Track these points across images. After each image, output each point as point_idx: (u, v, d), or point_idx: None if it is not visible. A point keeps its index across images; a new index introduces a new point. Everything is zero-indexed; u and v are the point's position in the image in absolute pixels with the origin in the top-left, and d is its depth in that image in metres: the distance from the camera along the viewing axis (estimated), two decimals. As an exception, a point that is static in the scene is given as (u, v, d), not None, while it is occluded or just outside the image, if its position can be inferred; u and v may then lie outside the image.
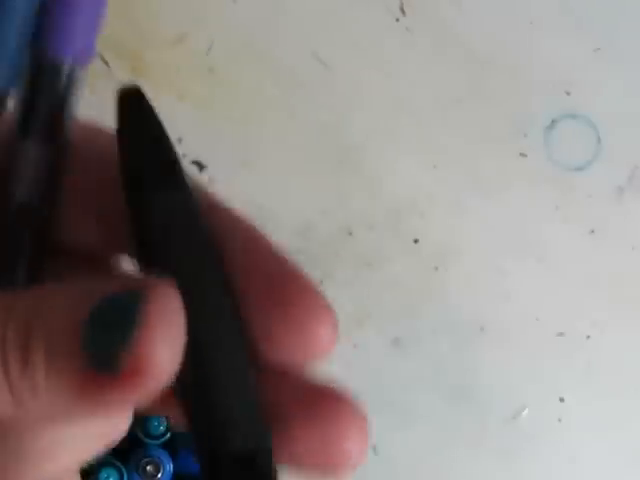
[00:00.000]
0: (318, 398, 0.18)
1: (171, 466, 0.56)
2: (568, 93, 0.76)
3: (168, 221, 0.17)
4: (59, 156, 0.17)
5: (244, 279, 0.17)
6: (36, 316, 0.15)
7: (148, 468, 0.55)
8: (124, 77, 0.70)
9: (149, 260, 0.17)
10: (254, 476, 0.17)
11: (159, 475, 0.55)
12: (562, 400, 0.73)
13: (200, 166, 0.73)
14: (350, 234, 0.73)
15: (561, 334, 0.73)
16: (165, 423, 0.56)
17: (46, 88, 0.16)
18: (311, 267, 0.78)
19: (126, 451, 0.56)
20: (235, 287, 0.17)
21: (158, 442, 0.56)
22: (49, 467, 0.18)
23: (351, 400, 0.18)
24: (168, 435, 0.57)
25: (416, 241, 0.74)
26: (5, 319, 0.15)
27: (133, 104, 0.17)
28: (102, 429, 0.17)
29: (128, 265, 0.20)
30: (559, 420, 0.73)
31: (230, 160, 0.80)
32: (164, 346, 0.15)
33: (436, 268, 0.74)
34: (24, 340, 0.15)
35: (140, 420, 0.56)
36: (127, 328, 0.14)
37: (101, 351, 0.14)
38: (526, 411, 0.73)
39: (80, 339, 0.15)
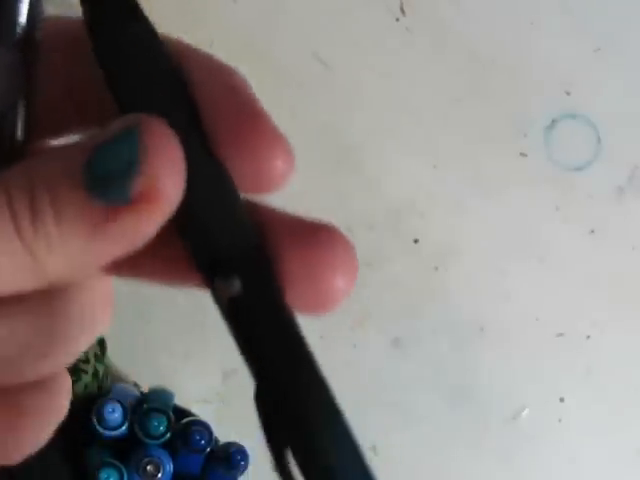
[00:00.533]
0: (306, 228, 0.18)
1: (171, 466, 0.56)
2: (568, 93, 0.76)
3: (133, 50, 0.16)
4: (30, 61, 0.17)
5: (208, 111, 0.17)
6: (37, 171, 0.15)
7: (148, 468, 0.55)
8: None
9: (122, 103, 0.16)
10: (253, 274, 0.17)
11: (159, 475, 0.55)
12: (562, 400, 0.73)
13: (200, 166, 0.73)
14: (350, 234, 0.73)
15: (561, 334, 0.73)
16: (165, 423, 0.56)
17: None
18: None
19: (126, 451, 0.56)
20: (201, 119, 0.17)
21: (158, 442, 0.56)
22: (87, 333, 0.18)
23: (338, 230, 0.18)
24: (168, 435, 0.57)
25: (416, 241, 0.74)
26: (7, 178, 0.16)
27: None
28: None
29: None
30: (559, 420, 0.73)
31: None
32: (169, 171, 0.15)
33: (436, 268, 0.74)
34: (29, 192, 0.15)
35: (140, 419, 0.56)
36: (130, 158, 0.15)
37: (108, 185, 0.15)
38: (526, 411, 0.73)
39: (83, 179, 0.15)
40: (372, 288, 0.72)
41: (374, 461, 0.69)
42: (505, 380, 0.72)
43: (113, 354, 0.67)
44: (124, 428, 0.56)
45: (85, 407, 0.55)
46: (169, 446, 0.58)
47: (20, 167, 0.16)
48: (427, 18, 0.76)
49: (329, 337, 0.71)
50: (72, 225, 0.15)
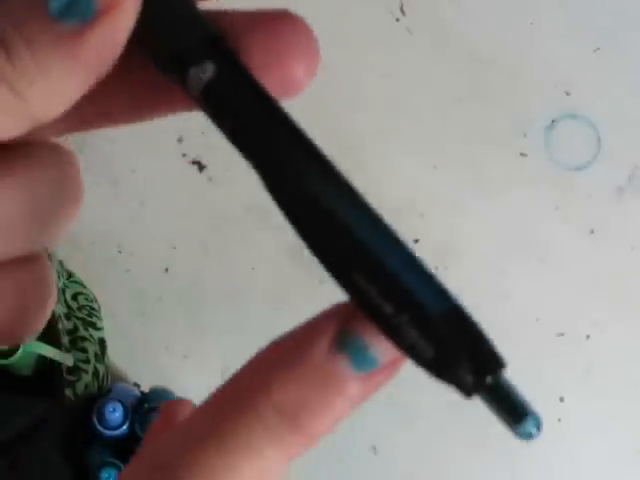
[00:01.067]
0: (265, 17, 0.18)
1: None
2: (568, 93, 0.76)
3: None
4: None
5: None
6: (1, 15, 0.16)
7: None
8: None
9: None
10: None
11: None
12: (562, 400, 0.73)
13: (200, 166, 0.73)
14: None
15: (561, 334, 0.73)
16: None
17: None
18: (311, 267, 0.78)
19: (127, 450, 0.56)
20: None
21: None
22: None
23: (297, 16, 0.18)
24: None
25: (416, 241, 0.74)
26: None
27: None
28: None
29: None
30: (559, 420, 0.73)
31: (230, 160, 0.80)
32: None
33: (436, 268, 0.74)
34: (1, 40, 0.16)
35: (140, 418, 0.56)
36: None
37: (71, 6, 0.16)
38: (526, 411, 0.73)
39: (47, 8, 0.16)
40: (372, 288, 0.72)
41: (374, 461, 0.69)
42: (505, 380, 0.72)
43: (113, 354, 0.67)
44: (125, 428, 0.56)
45: (86, 407, 0.55)
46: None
47: None
48: (427, 18, 0.76)
49: (329, 337, 0.71)
50: (46, 52, 0.16)
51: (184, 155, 0.73)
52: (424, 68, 0.75)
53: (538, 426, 0.17)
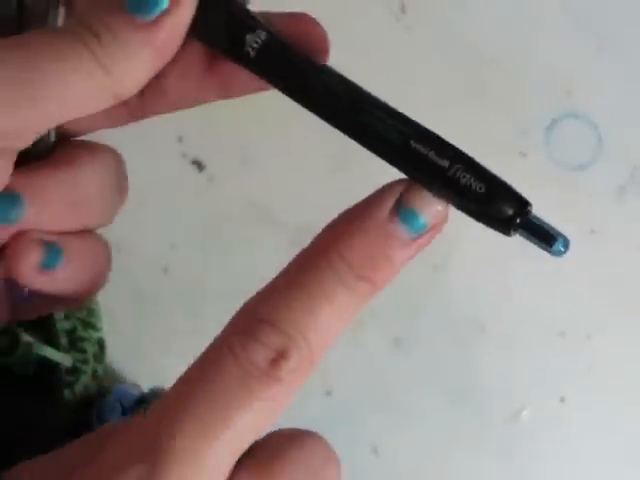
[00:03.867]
0: (293, 17, 0.25)
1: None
2: (568, 93, 0.76)
3: None
4: None
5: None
6: (89, 14, 0.22)
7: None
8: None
9: None
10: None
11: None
12: (562, 400, 0.73)
13: (200, 166, 0.73)
14: (350, 234, 0.73)
15: (561, 334, 0.73)
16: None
17: None
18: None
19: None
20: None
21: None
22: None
23: (314, 19, 0.26)
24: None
25: (416, 241, 0.73)
26: (68, 25, 0.22)
27: None
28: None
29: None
30: (559, 420, 0.73)
31: (230, 160, 0.80)
32: None
33: (436, 268, 0.74)
34: (90, 28, 0.22)
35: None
36: None
37: (146, 4, 0.22)
38: (526, 411, 0.72)
39: (125, 7, 0.22)
40: (372, 288, 0.72)
41: (374, 462, 0.70)
42: (505, 380, 0.72)
43: (112, 354, 0.67)
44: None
45: (85, 407, 0.55)
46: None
47: (75, 17, 0.22)
48: (428, 18, 0.76)
49: (329, 337, 0.71)
50: (127, 39, 0.22)
51: (184, 155, 0.73)
52: (424, 68, 0.75)
53: (566, 245, 0.24)
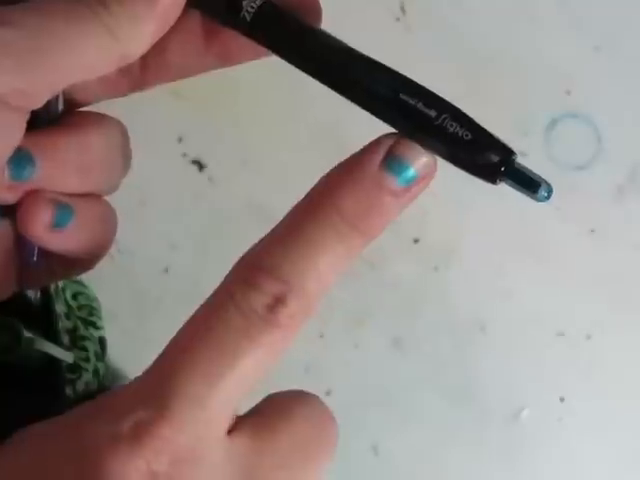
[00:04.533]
0: None
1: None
2: (568, 93, 0.76)
3: None
4: None
5: None
6: None
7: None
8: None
9: None
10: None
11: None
12: (562, 400, 0.73)
13: (200, 166, 0.73)
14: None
15: (561, 334, 0.73)
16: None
17: None
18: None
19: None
20: None
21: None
22: None
23: None
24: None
25: (416, 241, 0.74)
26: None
27: None
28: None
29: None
30: (559, 420, 0.73)
31: (230, 160, 0.80)
32: None
33: (436, 268, 0.74)
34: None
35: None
36: None
37: None
38: (526, 411, 0.73)
39: None
40: (372, 288, 0.72)
41: (374, 461, 0.69)
42: (505, 380, 0.72)
43: (113, 354, 0.67)
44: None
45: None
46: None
47: None
48: (428, 18, 0.76)
49: (329, 337, 0.71)
50: (132, 2, 0.23)
51: (184, 155, 0.73)
52: (424, 67, 0.75)
53: (550, 191, 0.24)
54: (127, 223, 0.77)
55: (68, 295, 0.52)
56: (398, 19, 0.76)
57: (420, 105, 0.24)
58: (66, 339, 0.43)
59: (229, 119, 0.72)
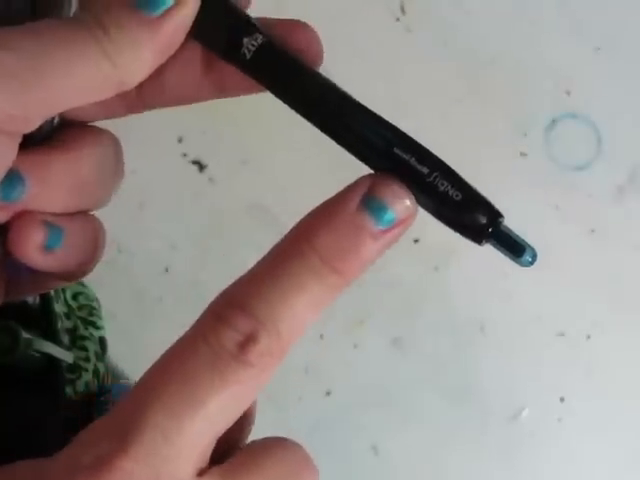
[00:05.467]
0: (288, 23, 0.26)
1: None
2: (568, 93, 0.76)
3: None
4: None
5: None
6: (98, 8, 0.23)
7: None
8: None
9: None
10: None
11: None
12: (562, 400, 0.73)
13: (200, 166, 0.73)
14: (350, 234, 0.73)
15: (561, 334, 0.73)
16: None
17: None
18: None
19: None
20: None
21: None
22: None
23: (307, 24, 0.27)
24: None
25: (416, 241, 0.74)
26: (79, 17, 0.23)
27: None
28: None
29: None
30: (559, 420, 0.73)
31: (230, 160, 0.80)
32: None
33: (436, 268, 0.74)
34: (98, 20, 0.23)
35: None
36: None
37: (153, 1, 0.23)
38: (526, 411, 0.73)
39: (134, 2, 0.23)
40: (372, 288, 0.72)
41: (374, 461, 0.69)
42: (505, 380, 0.72)
43: (113, 354, 0.67)
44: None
45: (86, 405, 0.55)
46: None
47: (83, 9, 0.24)
48: (428, 18, 0.76)
49: (329, 337, 0.71)
50: (133, 32, 0.23)
51: (184, 155, 0.73)
52: (424, 68, 0.75)
53: (534, 257, 0.24)
54: (127, 223, 0.77)
55: (68, 295, 0.52)
56: (398, 19, 0.76)
57: (413, 161, 0.24)
58: (66, 339, 0.43)
59: (229, 119, 0.72)
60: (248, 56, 0.25)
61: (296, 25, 0.26)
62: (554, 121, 0.75)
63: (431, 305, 0.73)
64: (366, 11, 0.76)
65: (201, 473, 0.21)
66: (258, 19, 0.26)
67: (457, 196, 0.24)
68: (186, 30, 0.24)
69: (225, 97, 0.27)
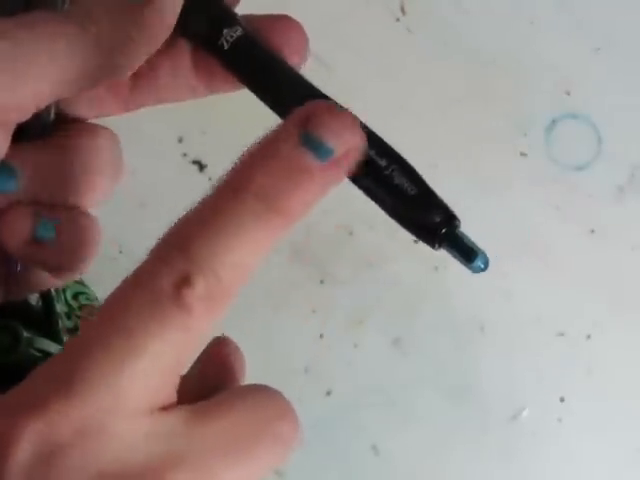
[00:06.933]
0: (274, 18, 0.26)
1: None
2: (568, 93, 0.76)
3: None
4: None
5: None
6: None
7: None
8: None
9: None
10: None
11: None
12: (562, 400, 0.73)
13: (200, 166, 0.73)
14: (350, 234, 0.73)
15: (561, 334, 0.73)
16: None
17: None
18: (311, 267, 0.78)
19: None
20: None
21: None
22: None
23: (292, 19, 0.27)
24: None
25: (416, 241, 0.73)
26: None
27: None
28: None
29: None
30: (559, 420, 0.73)
31: (230, 160, 0.79)
32: None
33: (436, 268, 0.74)
34: (86, 13, 0.23)
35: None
36: None
37: None
38: (526, 411, 0.73)
39: None
40: (372, 288, 0.72)
41: (374, 461, 0.69)
42: (505, 380, 0.72)
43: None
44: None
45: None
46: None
47: (74, 5, 0.24)
48: (428, 18, 0.76)
49: (329, 337, 0.72)
50: (123, 22, 0.23)
51: (184, 155, 0.73)
52: (424, 68, 0.75)
53: (486, 262, 0.24)
54: (128, 223, 0.77)
55: (69, 295, 0.52)
56: (398, 19, 0.76)
57: (372, 153, 0.24)
58: (67, 339, 0.43)
59: (229, 119, 0.72)
60: (226, 47, 0.25)
61: (279, 19, 0.26)
62: (554, 121, 0.75)
63: (431, 305, 0.73)
64: (366, 11, 0.76)
65: (166, 409, 0.21)
66: (246, 15, 0.26)
67: (412, 190, 0.24)
68: (174, 18, 0.24)
69: (217, 93, 0.27)
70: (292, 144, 0.22)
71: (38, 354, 0.34)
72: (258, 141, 0.23)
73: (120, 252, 0.71)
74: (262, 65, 0.25)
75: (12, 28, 0.23)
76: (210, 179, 0.73)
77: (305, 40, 0.26)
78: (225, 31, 0.25)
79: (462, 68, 0.75)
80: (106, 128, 0.27)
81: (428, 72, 0.75)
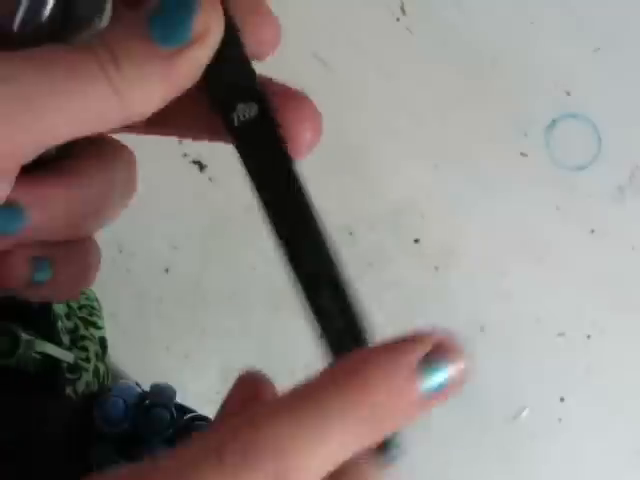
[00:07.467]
0: (288, 93, 0.24)
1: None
2: (568, 93, 0.76)
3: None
4: None
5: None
6: (112, 35, 0.22)
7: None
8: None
9: None
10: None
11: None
12: (562, 400, 0.73)
13: (200, 166, 0.73)
14: (350, 234, 0.73)
15: (561, 334, 0.73)
16: (168, 418, 0.56)
17: None
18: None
19: (130, 448, 0.56)
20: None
21: (161, 437, 0.56)
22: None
23: (307, 98, 0.25)
24: (171, 430, 0.57)
25: (416, 241, 0.74)
26: (90, 44, 0.22)
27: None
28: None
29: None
30: (559, 420, 0.73)
31: (230, 160, 0.80)
32: (216, 16, 0.22)
33: (436, 268, 0.74)
34: (110, 50, 0.21)
35: (143, 414, 0.56)
36: (186, 11, 0.21)
37: (171, 32, 0.21)
38: (526, 411, 0.73)
39: (149, 33, 0.21)
40: (372, 288, 0.72)
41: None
42: (505, 380, 0.72)
43: (114, 354, 0.67)
44: (127, 424, 0.56)
45: (87, 405, 0.55)
46: (172, 441, 0.58)
47: (97, 35, 0.22)
48: (428, 18, 0.76)
49: (329, 337, 0.71)
50: (146, 66, 0.21)
51: (185, 155, 0.73)
52: (424, 68, 0.75)
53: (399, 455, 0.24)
54: (128, 223, 0.77)
55: (69, 295, 0.52)
56: (398, 19, 0.76)
57: (334, 309, 0.24)
58: (66, 339, 0.43)
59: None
60: (236, 123, 0.23)
61: (296, 98, 0.25)
62: (554, 121, 0.75)
63: (431, 305, 0.73)
64: (366, 11, 0.76)
65: None
66: (261, 77, 0.24)
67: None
68: (201, 70, 0.22)
69: (220, 142, 0.26)
70: (410, 373, 0.22)
71: (38, 357, 0.34)
72: (376, 350, 0.23)
73: (120, 253, 0.71)
74: (267, 165, 0.24)
75: (17, 66, 0.21)
76: (210, 179, 0.73)
77: (318, 122, 0.25)
78: (240, 106, 0.23)
79: (462, 68, 0.75)
80: (119, 144, 0.26)
81: (428, 72, 0.75)
